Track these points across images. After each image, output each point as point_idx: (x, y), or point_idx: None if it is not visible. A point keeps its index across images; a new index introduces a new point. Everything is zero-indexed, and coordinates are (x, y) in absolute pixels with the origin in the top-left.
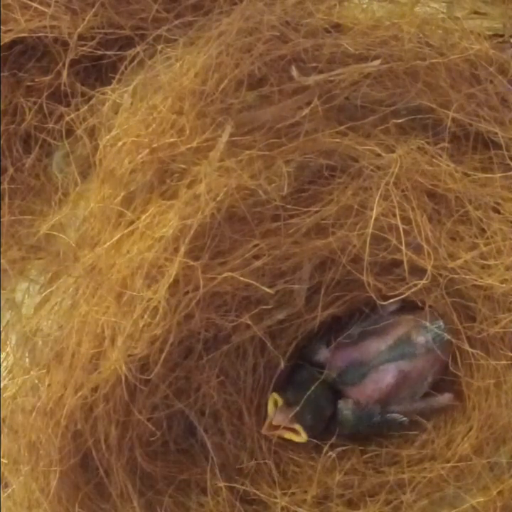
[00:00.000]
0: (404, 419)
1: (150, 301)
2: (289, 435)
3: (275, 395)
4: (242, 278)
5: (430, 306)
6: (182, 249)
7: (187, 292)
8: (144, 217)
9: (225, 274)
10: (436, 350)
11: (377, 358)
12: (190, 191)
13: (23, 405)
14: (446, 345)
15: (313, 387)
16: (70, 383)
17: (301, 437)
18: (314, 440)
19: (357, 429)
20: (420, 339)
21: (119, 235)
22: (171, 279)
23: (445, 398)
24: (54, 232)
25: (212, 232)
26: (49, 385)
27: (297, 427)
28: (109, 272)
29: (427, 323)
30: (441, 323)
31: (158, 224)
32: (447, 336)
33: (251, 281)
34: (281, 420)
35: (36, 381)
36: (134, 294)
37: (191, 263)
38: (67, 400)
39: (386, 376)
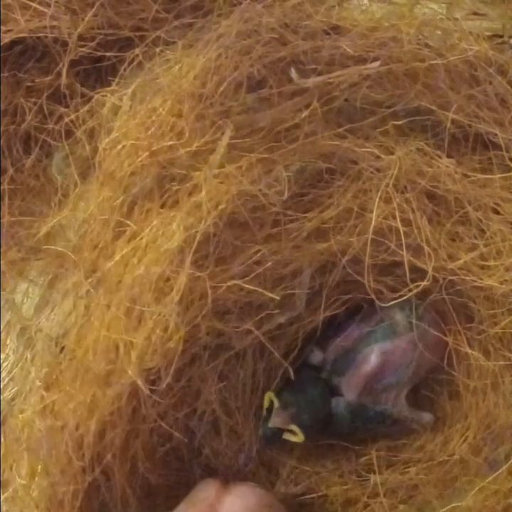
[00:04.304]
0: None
1: (161, 316)
2: (286, 436)
3: (271, 395)
4: (247, 285)
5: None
6: (188, 261)
7: (193, 302)
8: (147, 230)
9: (230, 283)
10: (417, 328)
11: (360, 343)
12: (191, 199)
13: (23, 408)
14: (432, 324)
15: (310, 388)
16: (80, 396)
17: (298, 437)
18: (312, 441)
19: (355, 427)
20: (398, 316)
21: (124, 251)
22: (181, 293)
23: (426, 417)
24: (54, 234)
25: (215, 239)
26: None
27: (294, 427)
28: (117, 288)
29: (407, 303)
30: (420, 304)
31: (162, 236)
32: (432, 314)
33: (255, 288)
34: (279, 422)
35: (37, 382)
36: (146, 309)
37: (198, 274)
38: (77, 412)
39: (370, 358)
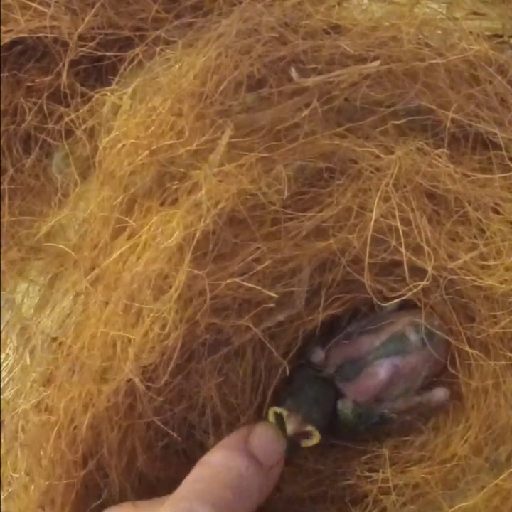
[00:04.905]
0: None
1: (159, 313)
2: (304, 443)
3: (276, 409)
4: (246, 283)
5: (431, 307)
6: (187, 259)
7: (191, 299)
8: (146, 228)
9: (229, 281)
10: (428, 347)
11: (371, 354)
12: (191, 198)
13: (22, 407)
14: (441, 344)
15: (308, 387)
16: (76, 392)
17: (315, 438)
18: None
19: (357, 429)
20: (413, 336)
21: (123, 248)
22: (179, 291)
23: (440, 393)
24: (54, 233)
25: (214, 237)
26: (52, 389)
27: (310, 427)
28: (116, 285)
29: (421, 321)
30: (436, 322)
31: (161, 233)
32: (440, 334)
33: (255, 286)
34: (294, 428)
35: (35, 376)
36: (144, 306)
37: (197, 272)
38: (71, 407)
39: (380, 371)
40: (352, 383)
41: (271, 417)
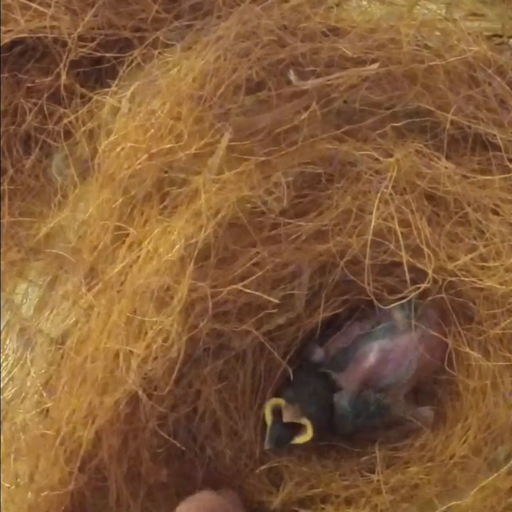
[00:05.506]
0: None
1: (162, 326)
2: (295, 440)
3: (274, 400)
4: (246, 290)
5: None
6: (188, 271)
7: (193, 305)
8: (147, 240)
9: (230, 287)
10: (417, 326)
11: (360, 341)
12: (191, 208)
13: (22, 408)
14: (433, 326)
15: (309, 381)
16: (76, 401)
17: (308, 434)
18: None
19: (356, 423)
20: (398, 314)
21: (125, 262)
22: (182, 303)
23: (425, 411)
24: (53, 234)
25: (215, 245)
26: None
27: (304, 420)
28: (119, 297)
29: (407, 302)
30: (429, 308)
31: (163, 245)
32: (433, 317)
33: (255, 293)
34: (290, 416)
35: (37, 384)
36: (147, 319)
37: (199, 284)
38: (73, 417)
39: (368, 354)
40: (345, 371)
41: (267, 410)
